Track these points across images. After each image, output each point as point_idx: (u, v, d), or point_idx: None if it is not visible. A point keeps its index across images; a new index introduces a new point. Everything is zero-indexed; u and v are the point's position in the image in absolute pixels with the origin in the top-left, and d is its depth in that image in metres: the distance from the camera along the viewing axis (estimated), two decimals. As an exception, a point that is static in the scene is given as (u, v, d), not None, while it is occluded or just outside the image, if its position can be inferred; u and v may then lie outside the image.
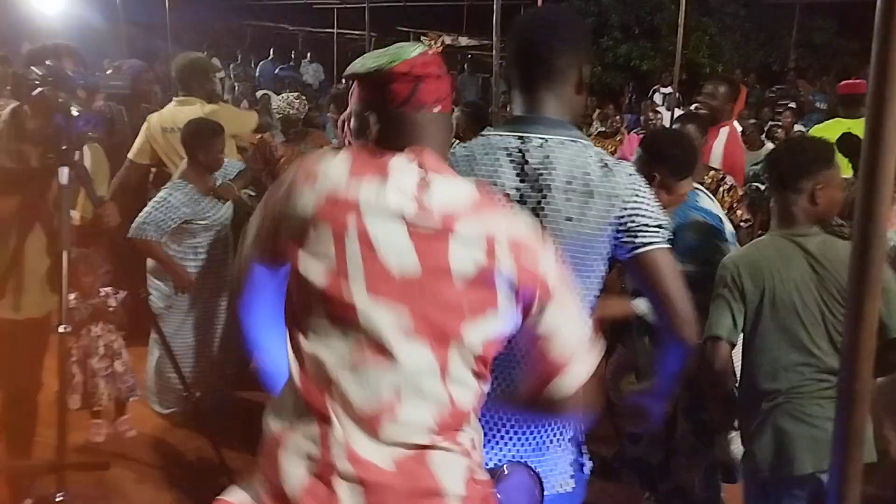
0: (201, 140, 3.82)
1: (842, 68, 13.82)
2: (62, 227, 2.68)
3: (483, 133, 1.85)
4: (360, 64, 1.52)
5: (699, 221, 2.91)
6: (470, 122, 5.00)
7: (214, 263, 4.01)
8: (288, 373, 1.45)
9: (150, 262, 3.96)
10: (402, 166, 1.43)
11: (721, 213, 3.07)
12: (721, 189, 3.83)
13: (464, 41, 18.96)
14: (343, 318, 1.39)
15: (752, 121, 8.22)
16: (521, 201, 1.75)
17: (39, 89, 2.66)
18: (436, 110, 1.50)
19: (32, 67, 2.71)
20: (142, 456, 3.81)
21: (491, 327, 1.43)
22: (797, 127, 9.61)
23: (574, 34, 1.83)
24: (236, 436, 3.66)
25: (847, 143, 4.33)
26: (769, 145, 8.00)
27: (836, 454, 1.24)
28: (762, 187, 7.18)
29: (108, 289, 3.72)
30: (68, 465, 2.70)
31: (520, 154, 1.77)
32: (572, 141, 1.78)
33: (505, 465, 1.72)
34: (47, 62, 2.73)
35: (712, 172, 3.88)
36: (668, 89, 11.34)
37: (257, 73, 15.90)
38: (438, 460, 1.40)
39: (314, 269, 1.40)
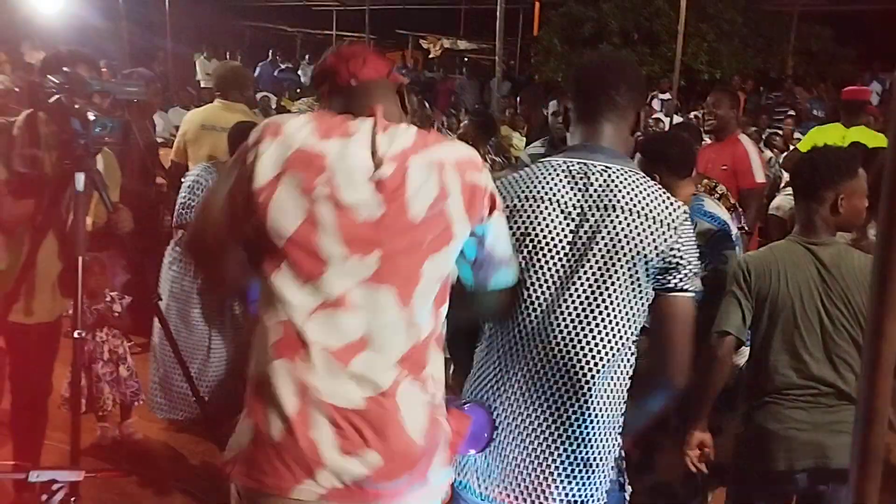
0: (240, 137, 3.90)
1: (839, 76, 13.88)
2: (78, 233, 2.70)
3: (540, 160, 1.95)
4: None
5: (706, 228, 2.95)
6: (479, 130, 5.03)
7: None
8: (260, 318, 1.58)
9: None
10: (360, 125, 1.59)
11: (727, 218, 3.10)
12: (713, 197, 3.88)
13: (463, 45, 19.03)
14: (311, 269, 1.53)
15: (753, 128, 8.24)
16: (583, 217, 1.82)
17: (56, 96, 2.67)
18: (353, 84, 1.68)
19: (49, 76, 2.73)
20: (148, 459, 3.83)
21: (447, 261, 1.62)
22: (797, 134, 9.66)
23: (637, 79, 2.00)
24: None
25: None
26: (767, 153, 8.05)
27: (854, 471, 1.26)
28: (777, 214, 7.24)
29: (114, 293, 3.74)
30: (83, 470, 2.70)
31: (583, 176, 1.86)
32: (633, 172, 1.88)
33: (465, 404, 1.84)
34: (64, 69, 2.75)
35: (705, 181, 3.92)
36: (667, 95, 11.40)
37: (256, 75, 15.90)
38: (404, 396, 1.55)
39: (283, 221, 1.53)
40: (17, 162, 2.81)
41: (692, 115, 9.48)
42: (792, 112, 11.18)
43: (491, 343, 1.92)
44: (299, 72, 17.33)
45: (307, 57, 18.36)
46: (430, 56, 19.67)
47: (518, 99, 6.36)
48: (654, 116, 9.95)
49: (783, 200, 5.30)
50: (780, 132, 9.79)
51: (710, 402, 2.62)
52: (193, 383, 3.41)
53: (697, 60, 12.82)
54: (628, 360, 1.86)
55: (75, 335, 2.67)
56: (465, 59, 19.27)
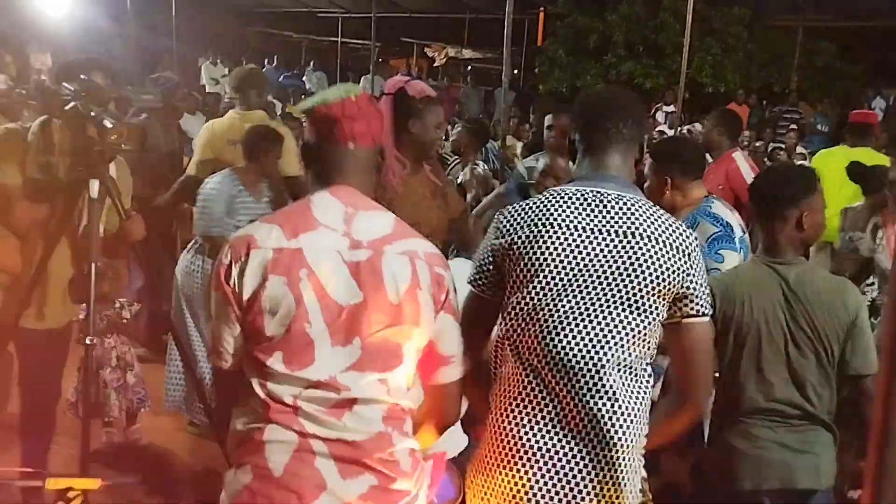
0: (263, 144, 3.93)
1: (843, 91, 13.94)
2: (92, 240, 2.71)
3: (552, 189, 1.97)
4: (306, 101, 1.82)
5: (707, 229, 2.98)
6: (472, 138, 5.06)
7: None
8: (246, 385, 1.72)
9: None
10: (326, 209, 1.72)
11: (735, 222, 3.09)
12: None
13: (467, 53, 19.08)
14: (302, 357, 1.66)
15: (758, 143, 8.25)
16: (600, 240, 1.85)
17: (72, 103, 2.69)
18: (350, 146, 1.76)
19: (64, 84, 2.75)
20: (152, 464, 3.84)
21: (421, 339, 1.75)
22: (799, 148, 9.69)
23: (639, 112, 2.10)
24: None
25: (855, 170, 4.41)
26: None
27: (867, 492, 1.28)
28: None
29: (123, 300, 3.76)
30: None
31: (598, 202, 1.89)
32: (645, 201, 1.93)
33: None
34: (81, 76, 2.77)
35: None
36: (671, 108, 11.44)
37: (262, 81, 15.91)
38: (392, 439, 1.73)
39: (275, 319, 1.65)
40: (31, 168, 2.83)
41: (685, 128, 9.48)
42: (794, 126, 11.22)
43: (507, 373, 1.93)
44: (304, 78, 17.39)
45: (312, 63, 18.41)
46: (435, 64, 19.73)
47: (531, 110, 6.40)
48: (657, 129, 9.98)
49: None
50: (784, 146, 9.83)
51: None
52: (201, 387, 3.43)
53: (702, 74, 12.87)
54: (647, 379, 1.89)
55: (87, 341, 2.68)
56: (469, 67, 19.33)
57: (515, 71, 16.95)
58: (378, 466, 1.70)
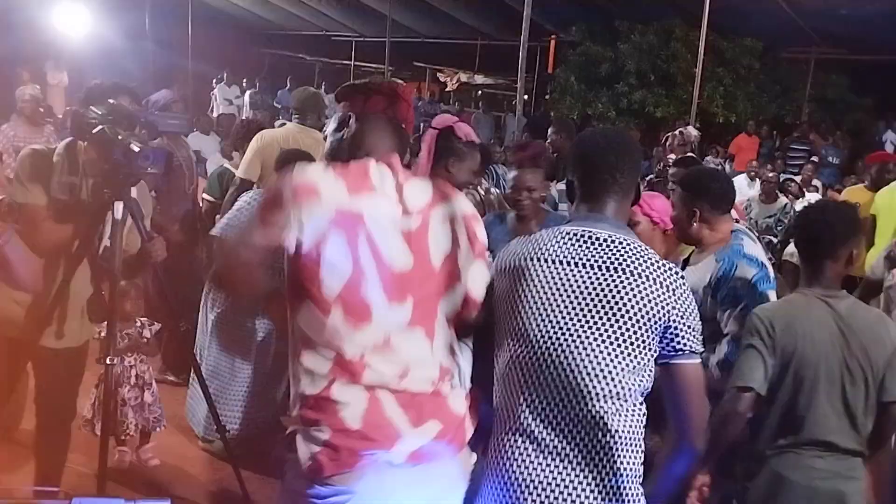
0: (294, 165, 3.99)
1: (854, 123, 13.97)
2: (114, 261, 2.75)
3: (549, 228, 2.02)
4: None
5: (747, 272, 2.92)
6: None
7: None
8: (304, 353, 1.83)
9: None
10: (381, 177, 1.86)
11: (764, 256, 3.08)
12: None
13: (479, 79, 19.22)
14: (360, 316, 1.78)
15: (770, 174, 8.27)
16: (588, 274, 1.87)
17: (99, 127, 2.74)
18: (403, 126, 1.99)
19: (91, 107, 2.79)
20: (164, 485, 3.84)
21: (457, 298, 1.94)
22: (815, 181, 9.73)
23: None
24: (260, 467, 3.70)
25: None
26: (783, 199, 8.09)
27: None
28: (775, 241, 7.26)
29: (144, 319, 3.79)
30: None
31: (588, 238, 1.93)
32: (635, 242, 1.95)
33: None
34: (110, 100, 2.82)
35: None
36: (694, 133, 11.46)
37: (276, 102, 16.07)
38: (445, 392, 1.91)
39: (335, 275, 1.76)
40: (56, 188, 2.87)
41: (707, 159, 9.54)
42: (815, 158, 11.26)
43: (501, 402, 1.96)
44: (316, 99, 17.49)
45: (323, 85, 18.55)
46: (447, 89, 19.87)
47: (549, 130, 6.42)
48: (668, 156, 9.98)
49: (797, 247, 5.34)
50: (794, 178, 9.85)
51: (718, 455, 2.61)
52: (214, 407, 3.44)
53: (713, 104, 12.92)
54: (641, 410, 1.91)
55: (107, 361, 2.70)
56: (481, 92, 19.46)
57: (526, 97, 17.07)
58: (440, 414, 1.87)
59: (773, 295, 2.93)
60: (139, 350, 3.77)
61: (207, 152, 8.95)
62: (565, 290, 1.87)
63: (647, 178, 8.25)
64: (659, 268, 1.90)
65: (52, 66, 14.48)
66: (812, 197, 9.26)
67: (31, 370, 3.20)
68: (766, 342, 2.55)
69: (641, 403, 1.91)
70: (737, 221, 3.35)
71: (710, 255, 3.03)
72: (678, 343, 1.88)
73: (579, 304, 1.86)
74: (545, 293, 1.88)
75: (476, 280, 1.98)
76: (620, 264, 1.87)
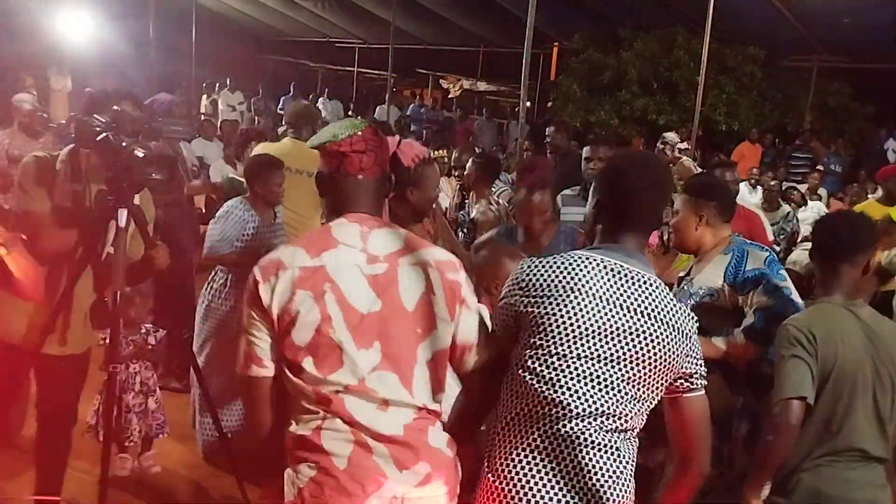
0: (260, 172, 4.00)
1: (856, 131, 13.96)
2: (118, 268, 2.74)
3: (575, 254, 2.00)
4: (317, 137, 2.00)
5: (761, 258, 2.95)
6: (483, 173, 5.05)
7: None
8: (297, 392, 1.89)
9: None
10: (345, 231, 1.92)
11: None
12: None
13: (482, 86, 19.24)
14: (333, 361, 1.84)
15: (773, 182, 8.27)
16: (616, 313, 1.90)
17: (103, 134, 2.74)
18: (360, 177, 1.96)
19: (95, 115, 2.79)
20: (166, 492, 3.84)
21: (438, 342, 1.92)
22: (820, 190, 9.74)
23: (669, 186, 2.11)
24: (261, 475, 3.67)
25: None
26: (785, 207, 8.08)
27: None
28: (777, 249, 7.25)
29: (149, 326, 3.79)
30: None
31: (621, 276, 1.94)
32: (658, 282, 1.98)
33: None
34: (114, 107, 2.82)
35: None
36: (685, 144, 11.46)
37: (280, 108, 16.08)
38: (432, 434, 1.93)
39: (305, 328, 1.84)
40: (59, 196, 2.87)
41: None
42: (820, 167, 11.25)
43: (511, 419, 1.97)
44: (319, 106, 17.53)
45: (326, 91, 18.58)
46: (450, 95, 19.88)
47: (547, 130, 6.44)
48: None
49: (800, 255, 5.33)
50: (797, 186, 9.85)
51: (774, 470, 2.61)
52: (218, 418, 3.43)
53: (716, 112, 12.90)
54: (635, 441, 1.98)
55: (111, 368, 2.70)
56: (483, 99, 19.47)
57: (529, 104, 17.08)
58: (427, 456, 1.90)
59: (786, 276, 2.97)
60: (144, 357, 3.77)
61: (210, 158, 8.96)
62: (600, 329, 1.89)
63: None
64: (679, 313, 1.96)
65: (56, 71, 14.51)
66: (815, 205, 9.26)
67: (32, 377, 3.20)
68: (808, 351, 2.55)
69: (636, 437, 1.99)
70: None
71: (713, 257, 3.05)
72: (691, 381, 1.97)
73: (612, 344, 1.89)
74: (581, 328, 1.89)
75: (462, 325, 1.97)
76: (654, 310, 1.92)
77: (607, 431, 1.89)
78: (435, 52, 18.32)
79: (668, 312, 1.93)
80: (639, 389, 1.90)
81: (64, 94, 14.38)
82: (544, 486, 1.88)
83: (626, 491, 1.92)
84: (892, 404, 2.57)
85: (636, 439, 1.98)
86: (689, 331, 1.96)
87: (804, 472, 2.59)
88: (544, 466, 1.89)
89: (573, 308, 1.89)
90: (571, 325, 1.88)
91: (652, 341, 1.89)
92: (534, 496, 1.89)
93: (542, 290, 1.92)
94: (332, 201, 2.00)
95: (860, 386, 2.54)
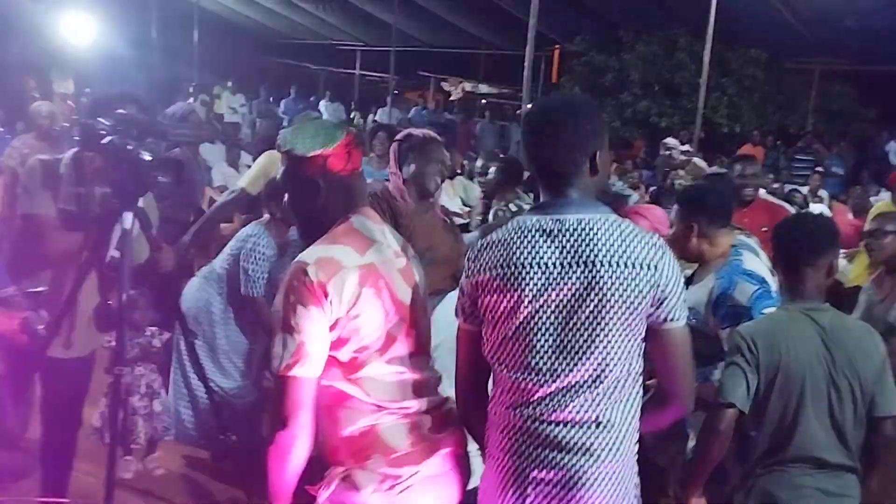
0: (277, 194, 3.94)
1: (858, 134, 13.98)
2: (124, 270, 2.74)
3: (514, 221, 1.94)
4: (301, 145, 2.01)
5: (747, 288, 2.88)
6: (505, 178, 4.82)
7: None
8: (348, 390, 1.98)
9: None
10: (369, 228, 2.04)
11: (766, 271, 3.02)
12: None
13: (484, 88, 19.28)
14: (390, 349, 1.98)
15: (775, 184, 8.27)
16: (566, 275, 1.82)
17: (109, 138, 2.74)
18: (356, 172, 2.06)
19: (100, 118, 2.79)
20: (169, 494, 3.84)
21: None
22: (821, 192, 9.72)
23: (580, 128, 1.91)
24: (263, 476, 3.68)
25: None
26: (790, 209, 8.07)
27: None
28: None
29: (154, 329, 3.79)
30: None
31: (559, 232, 1.85)
32: (605, 217, 1.87)
33: None
34: (119, 111, 2.82)
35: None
36: (686, 147, 11.47)
37: (281, 110, 16.12)
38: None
39: (372, 323, 1.94)
40: (63, 199, 2.87)
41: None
42: (820, 168, 11.24)
43: (497, 413, 1.96)
44: (320, 108, 17.57)
45: (328, 94, 18.61)
46: (451, 98, 19.91)
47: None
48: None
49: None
50: (799, 188, 9.84)
51: (707, 474, 2.61)
52: (220, 416, 3.43)
53: (718, 114, 12.94)
54: (637, 392, 1.91)
55: (116, 371, 2.70)
56: (485, 102, 19.49)
57: (529, 105, 17.09)
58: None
59: (771, 311, 2.86)
60: (149, 359, 3.77)
61: (212, 161, 8.96)
62: (549, 296, 1.82)
63: (651, 190, 8.28)
64: (636, 246, 1.83)
65: (58, 73, 14.54)
66: (817, 207, 9.26)
67: (37, 380, 3.20)
68: (748, 359, 2.54)
69: (639, 385, 1.93)
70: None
71: (711, 271, 3.01)
72: (665, 312, 1.85)
73: (565, 306, 1.82)
74: (529, 300, 1.84)
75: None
76: (600, 255, 1.81)
77: (593, 393, 1.86)
78: (436, 54, 18.36)
79: (616, 251, 1.81)
80: (612, 338, 1.82)
81: (66, 97, 14.42)
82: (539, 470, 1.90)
83: (627, 450, 1.93)
84: (855, 412, 2.51)
85: (636, 384, 1.90)
86: (650, 261, 1.82)
87: (759, 477, 2.58)
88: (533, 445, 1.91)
89: (523, 282, 1.84)
90: (524, 298, 1.84)
91: (604, 287, 1.80)
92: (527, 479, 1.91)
93: (491, 270, 1.88)
94: (332, 203, 2.02)
95: (810, 393, 2.49)
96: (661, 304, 1.85)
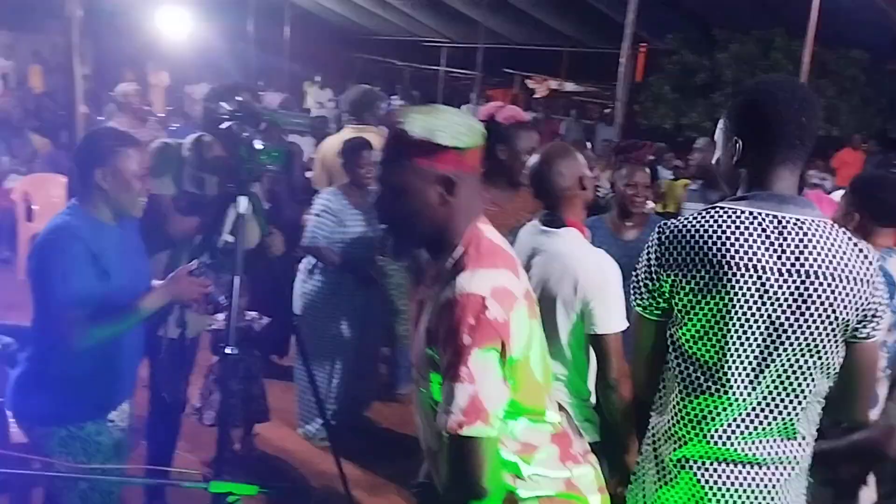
0: (351, 154, 4.00)
1: (963, 140, 13.33)
2: (237, 254, 2.80)
3: (721, 206, 1.78)
4: (451, 137, 1.60)
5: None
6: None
7: (349, 284, 4.13)
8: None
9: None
10: (500, 239, 1.70)
11: None
12: None
13: (569, 87, 19.07)
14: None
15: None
16: (781, 287, 1.70)
17: (227, 123, 2.80)
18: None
19: (222, 103, 2.87)
20: (266, 476, 3.90)
21: None
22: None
23: (817, 106, 1.78)
24: (366, 456, 3.81)
25: None
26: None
27: None
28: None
29: (255, 313, 3.86)
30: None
31: (778, 233, 1.71)
32: (824, 222, 1.74)
33: None
34: (238, 98, 2.88)
35: None
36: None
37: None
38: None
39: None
40: (186, 182, 2.95)
41: (811, 173, 9.19)
42: (927, 174, 10.74)
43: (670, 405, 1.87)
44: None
45: (411, 90, 18.72)
46: (535, 96, 19.77)
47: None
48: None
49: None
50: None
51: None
52: (321, 401, 3.48)
53: (814, 115, 12.50)
54: (819, 409, 1.84)
55: (226, 351, 2.75)
56: (570, 100, 19.27)
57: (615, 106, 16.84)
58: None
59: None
60: (248, 343, 3.84)
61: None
62: (760, 312, 1.71)
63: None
64: (853, 259, 1.70)
65: (154, 66, 15.04)
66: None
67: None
68: None
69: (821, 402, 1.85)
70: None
71: None
72: (868, 330, 1.75)
73: (776, 325, 1.71)
74: (741, 316, 1.71)
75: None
76: (817, 267, 1.68)
77: (789, 419, 1.80)
78: (521, 51, 18.25)
79: (834, 261, 1.68)
80: (814, 357, 1.72)
81: (161, 89, 14.91)
82: None
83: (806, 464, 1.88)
84: None
85: (818, 404, 1.82)
86: (866, 277, 1.70)
87: None
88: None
89: (738, 288, 1.69)
90: (736, 305, 1.71)
91: (822, 303, 1.68)
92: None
93: (698, 266, 1.72)
94: (463, 206, 1.65)
95: None
96: (868, 322, 1.74)
